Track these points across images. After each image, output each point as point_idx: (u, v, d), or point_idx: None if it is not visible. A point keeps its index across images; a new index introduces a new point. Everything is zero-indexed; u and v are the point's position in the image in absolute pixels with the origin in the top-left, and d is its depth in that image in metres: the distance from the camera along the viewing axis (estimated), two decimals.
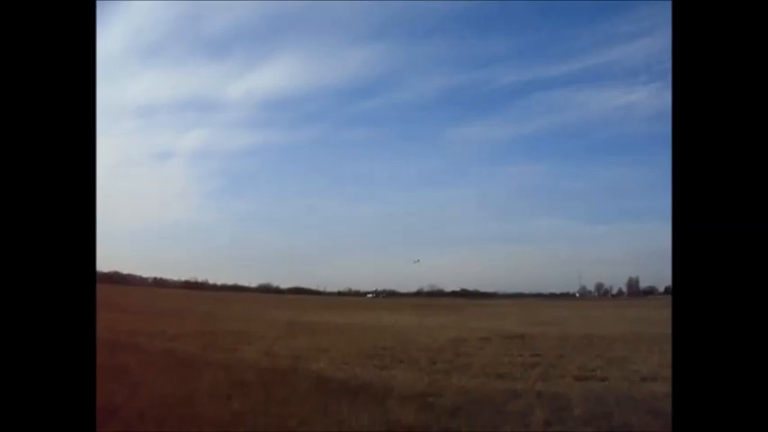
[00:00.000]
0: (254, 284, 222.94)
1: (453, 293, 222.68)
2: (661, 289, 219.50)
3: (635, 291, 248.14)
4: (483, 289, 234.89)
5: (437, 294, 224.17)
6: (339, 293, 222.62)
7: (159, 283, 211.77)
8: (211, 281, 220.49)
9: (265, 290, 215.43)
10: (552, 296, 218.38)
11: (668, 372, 16.26)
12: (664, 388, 16.17)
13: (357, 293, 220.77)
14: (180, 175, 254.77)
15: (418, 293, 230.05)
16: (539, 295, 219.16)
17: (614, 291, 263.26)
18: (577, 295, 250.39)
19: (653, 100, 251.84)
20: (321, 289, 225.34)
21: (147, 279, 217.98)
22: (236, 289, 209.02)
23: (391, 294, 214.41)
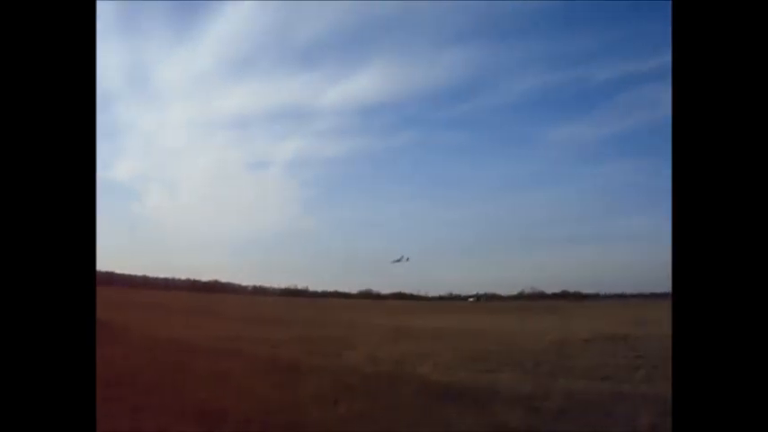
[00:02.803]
0: (354, 291, 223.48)
1: (554, 295, 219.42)
2: None
3: None
4: (584, 290, 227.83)
5: (538, 296, 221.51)
6: (440, 298, 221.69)
7: (259, 290, 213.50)
8: (311, 288, 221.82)
9: (366, 296, 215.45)
10: (654, 296, 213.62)
11: None
12: None
13: (458, 297, 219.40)
14: (277, 184, 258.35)
15: (519, 296, 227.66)
16: (640, 295, 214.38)
17: None
18: None
19: None
20: (422, 294, 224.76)
21: (246, 287, 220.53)
22: (336, 295, 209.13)
23: (492, 297, 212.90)
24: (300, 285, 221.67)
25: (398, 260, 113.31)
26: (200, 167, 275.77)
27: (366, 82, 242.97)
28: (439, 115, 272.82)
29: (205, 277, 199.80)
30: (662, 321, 60.34)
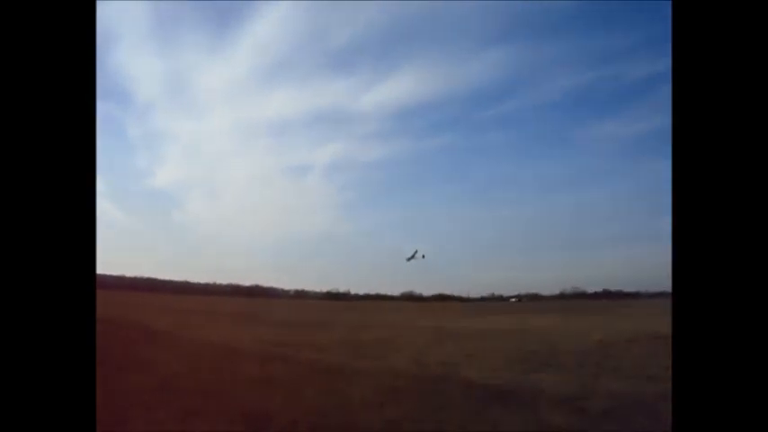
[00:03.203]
0: (396, 293, 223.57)
1: (596, 294, 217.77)
2: None
3: None
4: (626, 289, 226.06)
5: (580, 296, 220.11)
6: (482, 298, 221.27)
7: (301, 294, 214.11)
8: (353, 291, 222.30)
9: (408, 298, 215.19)
10: None
11: None
12: None
13: (500, 298, 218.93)
14: (317, 188, 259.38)
15: (561, 295, 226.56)
16: None
17: None
18: None
19: None
20: (464, 295, 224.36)
21: (288, 291, 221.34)
22: (378, 298, 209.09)
23: (534, 297, 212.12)
24: (342, 288, 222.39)
25: (413, 257, 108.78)
26: (240, 173, 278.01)
27: (403, 84, 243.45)
28: (477, 116, 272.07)
29: (247, 282, 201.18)
30: None
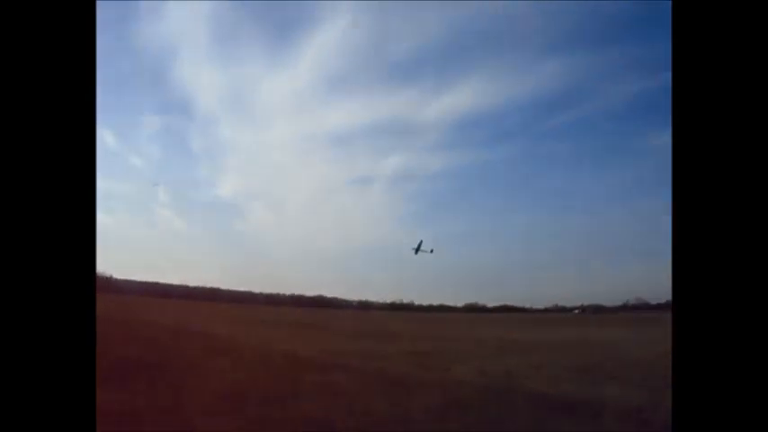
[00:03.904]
0: (460, 304, 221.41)
1: (659, 306, 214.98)
2: None
3: None
4: None
5: (643, 307, 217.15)
6: (545, 310, 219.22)
7: (364, 305, 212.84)
8: (417, 302, 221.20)
9: (472, 309, 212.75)
10: None
11: None
12: None
13: (563, 309, 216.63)
14: (381, 200, 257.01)
15: (624, 306, 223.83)
16: None
17: None
18: None
19: None
20: (527, 306, 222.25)
21: (352, 302, 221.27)
22: (442, 309, 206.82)
23: (597, 309, 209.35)
24: (406, 299, 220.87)
25: (418, 248, 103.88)
26: (302, 184, 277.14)
27: (464, 95, 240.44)
28: (538, 126, 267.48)
29: (310, 292, 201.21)
30: None
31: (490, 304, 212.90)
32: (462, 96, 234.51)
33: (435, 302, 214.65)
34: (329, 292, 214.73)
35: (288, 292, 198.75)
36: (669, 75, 6.25)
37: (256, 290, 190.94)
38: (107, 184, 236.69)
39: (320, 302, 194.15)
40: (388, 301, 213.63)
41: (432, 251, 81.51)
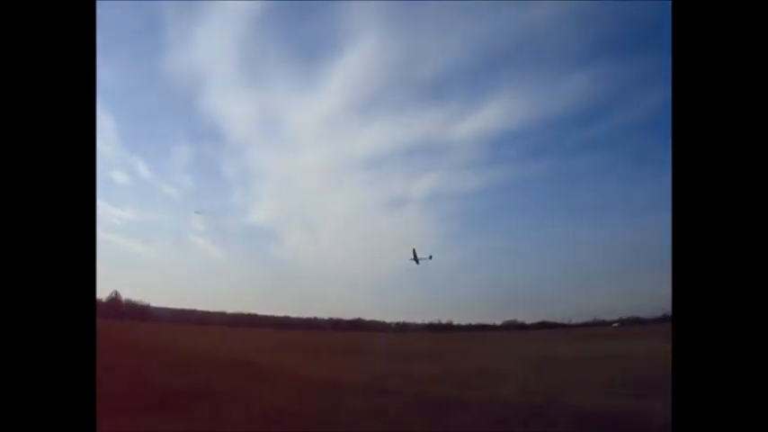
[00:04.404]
0: (498, 322, 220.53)
1: None
2: None
3: None
4: None
5: None
6: (585, 324, 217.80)
7: (402, 327, 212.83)
8: (455, 321, 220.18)
9: (511, 326, 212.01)
10: None
11: None
12: None
13: (602, 323, 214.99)
14: (415, 220, 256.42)
15: (663, 318, 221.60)
16: None
17: None
18: None
19: None
20: (566, 321, 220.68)
21: (390, 324, 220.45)
22: (481, 328, 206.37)
23: (636, 321, 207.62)
24: (444, 320, 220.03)
25: (415, 257, 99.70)
26: (336, 208, 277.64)
27: (495, 112, 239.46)
28: (570, 140, 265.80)
29: (348, 316, 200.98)
30: None
31: (529, 321, 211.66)
32: (492, 113, 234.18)
33: (474, 321, 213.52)
34: (367, 314, 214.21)
35: (326, 316, 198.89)
36: None
37: (294, 315, 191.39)
38: (142, 214, 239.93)
39: (359, 325, 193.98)
40: (427, 321, 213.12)
41: (431, 257, 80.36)
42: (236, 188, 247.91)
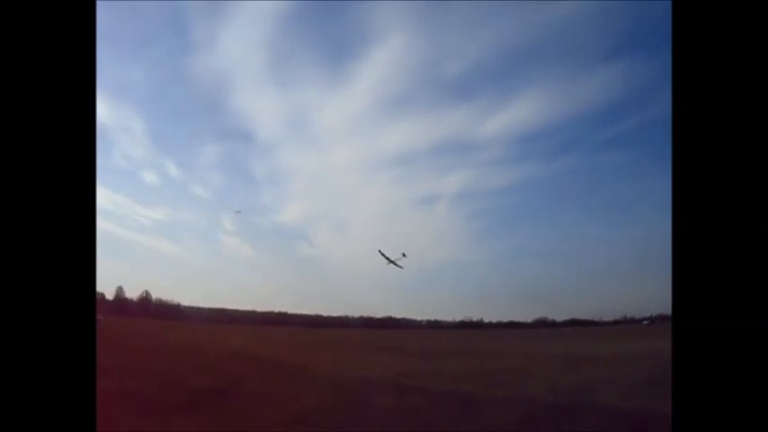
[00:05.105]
0: (529, 319, 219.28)
1: None
2: None
3: None
4: None
5: None
6: (614, 322, 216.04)
7: (433, 325, 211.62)
8: (486, 319, 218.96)
9: (541, 324, 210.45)
10: None
11: None
12: None
13: (632, 320, 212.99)
14: (445, 218, 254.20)
15: None
16: None
17: None
18: None
19: None
20: (596, 319, 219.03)
21: (421, 322, 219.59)
22: (511, 325, 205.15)
23: (666, 318, 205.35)
24: (475, 317, 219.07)
25: (387, 258, 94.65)
26: (366, 206, 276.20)
27: (523, 108, 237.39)
28: (597, 136, 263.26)
29: (379, 314, 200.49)
30: None
31: (559, 319, 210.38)
32: (520, 110, 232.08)
33: (504, 319, 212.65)
34: (398, 312, 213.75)
35: (357, 314, 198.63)
36: None
37: (325, 313, 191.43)
38: (172, 214, 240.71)
39: (389, 323, 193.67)
40: (457, 319, 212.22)
41: (403, 255, 78.80)
42: (265, 187, 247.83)
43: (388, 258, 75.10)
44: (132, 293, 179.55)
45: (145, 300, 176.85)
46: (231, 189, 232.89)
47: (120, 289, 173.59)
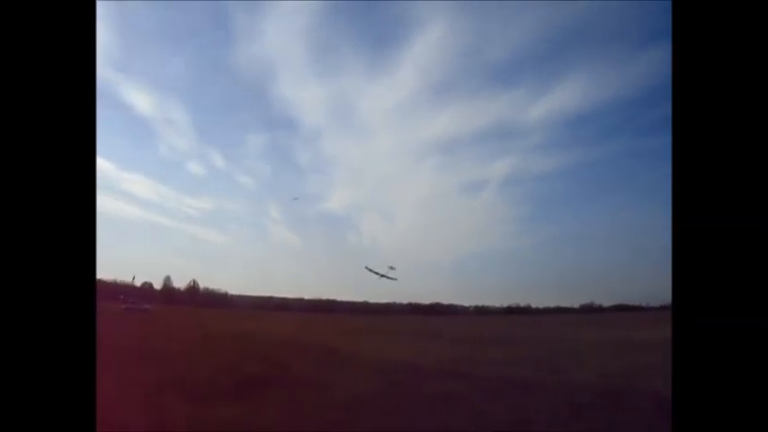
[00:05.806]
0: (576, 305, 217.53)
1: None
2: None
3: None
4: None
5: None
6: (661, 307, 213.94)
7: (481, 311, 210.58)
8: (533, 305, 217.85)
9: (588, 309, 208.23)
10: None
11: None
12: None
13: None
14: (492, 204, 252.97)
15: None
16: None
17: None
18: None
19: None
20: (644, 304, 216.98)
21: (468, 308, 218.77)
22: (559, 311, 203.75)
23: None
24: (522, 303, 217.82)
25: (376, 273, 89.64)
26: (412, 193, 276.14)
27: (568, 92, 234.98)
28: (642, 120, 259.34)
29: (426, 300, 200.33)
30: None
31: (606, 304, 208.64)
32: (565, 95, 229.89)
33: (551, 305, 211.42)
34: (445, 298, 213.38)
35: (404, 301, 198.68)
36: None
37: (372, 300, 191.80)
38: (219, 203, 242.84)
39: (437, 310, 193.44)
40: (505, 305, 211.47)
41: (391, 267, 76.66)
42: (310, 175, 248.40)
43: (377, 273, 74.52)
44: (180, 283, 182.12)
45: (193, 289, 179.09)
46: (277, 178, 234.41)
47: (167, 279, 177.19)
